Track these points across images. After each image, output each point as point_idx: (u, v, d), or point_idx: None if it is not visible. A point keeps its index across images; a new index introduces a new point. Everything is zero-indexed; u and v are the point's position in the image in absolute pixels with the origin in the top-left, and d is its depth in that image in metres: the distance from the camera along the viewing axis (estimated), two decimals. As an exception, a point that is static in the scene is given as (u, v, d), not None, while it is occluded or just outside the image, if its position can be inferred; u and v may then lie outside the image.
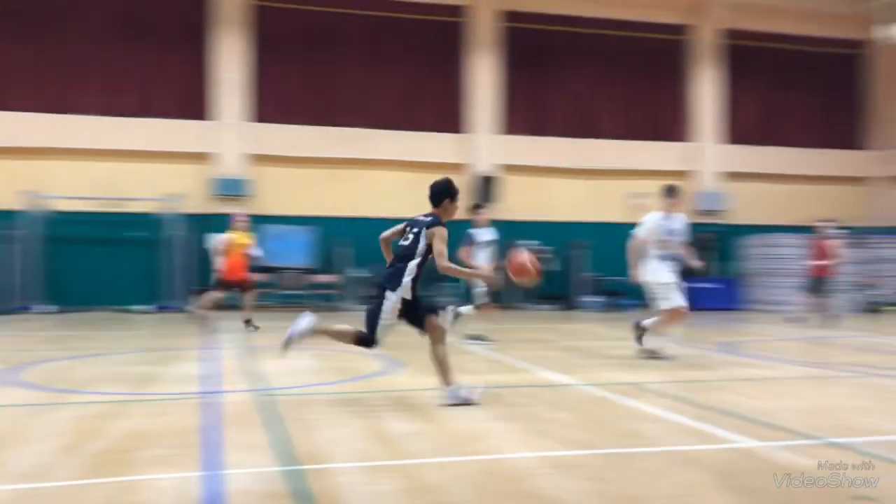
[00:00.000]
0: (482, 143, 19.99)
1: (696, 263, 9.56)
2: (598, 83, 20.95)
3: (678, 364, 9.14)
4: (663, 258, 9.08)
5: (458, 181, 7.00)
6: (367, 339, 6.34)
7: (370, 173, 19.47)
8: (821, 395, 7.21)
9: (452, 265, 6.37)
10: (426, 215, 6.49)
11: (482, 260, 11.03)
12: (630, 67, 21.15)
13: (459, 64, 20.09)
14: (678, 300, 9.05)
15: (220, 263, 12.57)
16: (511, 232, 16.48)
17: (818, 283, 14.72)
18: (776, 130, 22.02)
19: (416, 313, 6.32)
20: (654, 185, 20.48)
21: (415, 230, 6.40)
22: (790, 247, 19.29)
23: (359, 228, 17.60)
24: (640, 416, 6.04)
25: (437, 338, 6.32)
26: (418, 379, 7.47)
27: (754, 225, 21.42)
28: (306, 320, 6.42)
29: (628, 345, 9.73)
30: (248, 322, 12.73)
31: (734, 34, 21.49)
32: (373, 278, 13.98)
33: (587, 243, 19.83)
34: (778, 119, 22.07)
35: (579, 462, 4.69)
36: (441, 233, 6.27)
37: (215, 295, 12.62)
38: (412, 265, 6.28)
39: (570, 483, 4.24)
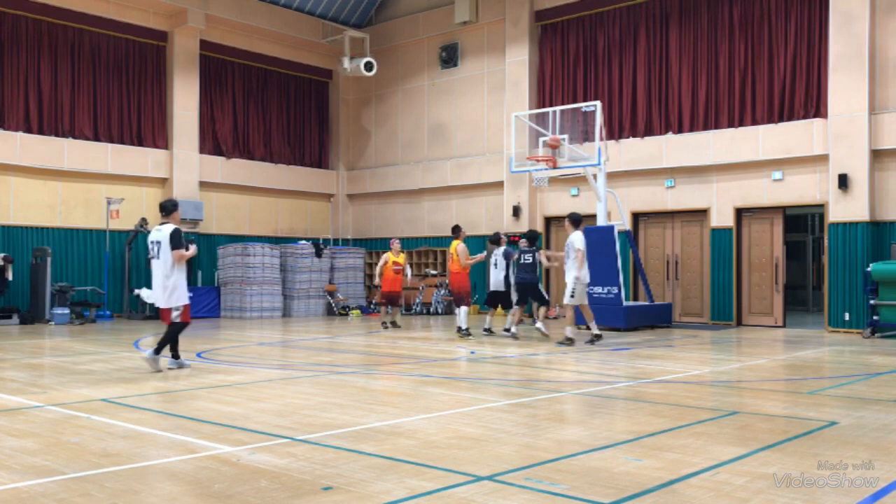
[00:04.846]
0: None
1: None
2: (72, 79, 19.43)
3: (151, 376, 8.98)
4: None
5: None
6: None
7: None
8: (287, 394, 7.75)
9: None
10: None
11: None
12: (111, 68, 20.06)
13: None
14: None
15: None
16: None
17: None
18: (252, 144, 23.04)
19: None
20: (131, 191, 20.27)
21: None
22: (263, 255, 20.37)
23: None
24: (112, 433, 5.78)
25: None
26: None
27: (229, 234, 22.13)
28: None
29: (99, 358, 9.22)
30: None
31: (213, 47, 21.90)
32: None
33: (51, 250, 18.20)
34: (254, 134, 23.11)
35: (42, 491, 4.31)
36: None
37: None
38: None
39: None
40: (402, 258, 16.15)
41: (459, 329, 14.05)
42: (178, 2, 20.44)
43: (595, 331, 12.86)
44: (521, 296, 13.97)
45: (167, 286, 9.21)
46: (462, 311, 14.09)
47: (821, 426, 6.09)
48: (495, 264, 14.83)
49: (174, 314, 9.24)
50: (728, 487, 4.37)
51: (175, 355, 9.47)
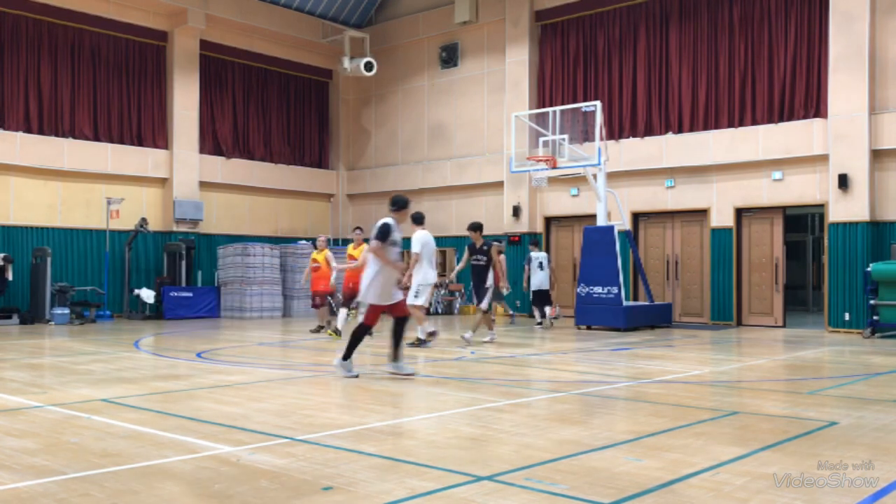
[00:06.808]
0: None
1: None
2: (72, 79, 19.44)
3: (151, 376, 8.98)
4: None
5: None
6: None
7: None
8: (287, 394, 7.74)
9: None
10: None
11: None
12: (111, 68, 20.07)
13: None
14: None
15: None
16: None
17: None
18: (252, 144, 23.04)
19: None
20: (131, 191, 20.27)
21: None
22: (263, 255, 20.36)
23: None
24: (112, 433, 5.77)
25: None
26: None
27: (228, 234, 22.13)
28: None
29: (99, 358, 9.21)
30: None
31: (213, 47, 21.90)
32: None
33: (51, 250, 18.19)
34: (254, 134, 23.11)
35: (42, 491, 4.30)
36: None
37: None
38: None
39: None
40: (322, 256, 14.90)
41: (338, 331, 13.72)
42: (178, 2, 20.44)
43: (420, 335, 12.21)
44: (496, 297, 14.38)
45: (366, 279, 8.60)
46: (342, 312, 13.97)
47: (821, 426, 6.09)
48: (540, 266, 16.55)
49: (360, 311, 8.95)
50: (728, 487, 4.36)
51: (345, 356, 8.72)
